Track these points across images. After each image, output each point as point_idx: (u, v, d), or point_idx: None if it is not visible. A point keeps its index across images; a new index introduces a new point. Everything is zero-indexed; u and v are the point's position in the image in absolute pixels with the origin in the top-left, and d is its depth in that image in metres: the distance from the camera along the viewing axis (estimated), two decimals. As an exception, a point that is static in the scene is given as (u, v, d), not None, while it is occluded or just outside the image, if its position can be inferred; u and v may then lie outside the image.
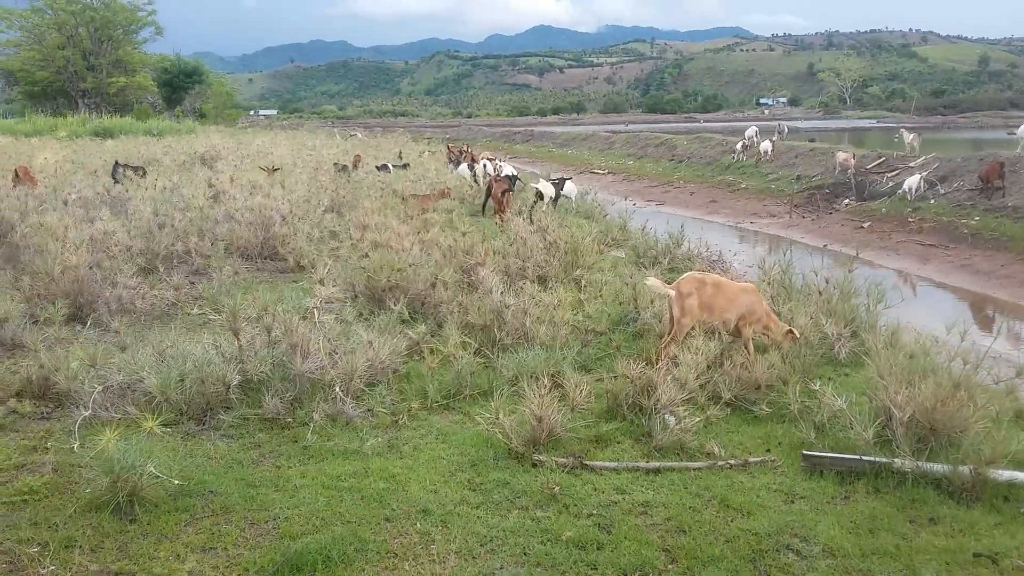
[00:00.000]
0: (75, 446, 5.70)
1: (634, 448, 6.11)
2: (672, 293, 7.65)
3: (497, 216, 16.12)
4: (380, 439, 6.12)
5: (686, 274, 8.00)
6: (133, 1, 70.66)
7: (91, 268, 9.59)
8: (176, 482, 5.11)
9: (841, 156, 26.74)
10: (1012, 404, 6.52)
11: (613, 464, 5.76)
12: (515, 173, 21.65)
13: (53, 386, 6.68)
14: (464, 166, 25.14)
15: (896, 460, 5.51)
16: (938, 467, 5.45)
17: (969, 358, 6.19)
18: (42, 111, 61.96)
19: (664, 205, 28.89)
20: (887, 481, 5.48)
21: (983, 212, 19.70)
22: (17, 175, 17.27)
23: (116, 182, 18.08)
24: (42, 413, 6.51)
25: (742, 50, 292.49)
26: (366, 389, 6.87)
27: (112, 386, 6.56)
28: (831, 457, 5.69)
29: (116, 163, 21.39)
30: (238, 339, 7.01)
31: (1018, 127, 27.54)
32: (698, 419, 6.24)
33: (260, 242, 13.06)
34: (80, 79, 66.88)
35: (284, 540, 4.61)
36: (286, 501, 5.06)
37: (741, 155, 33.93)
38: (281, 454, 5.84)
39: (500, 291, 8.64)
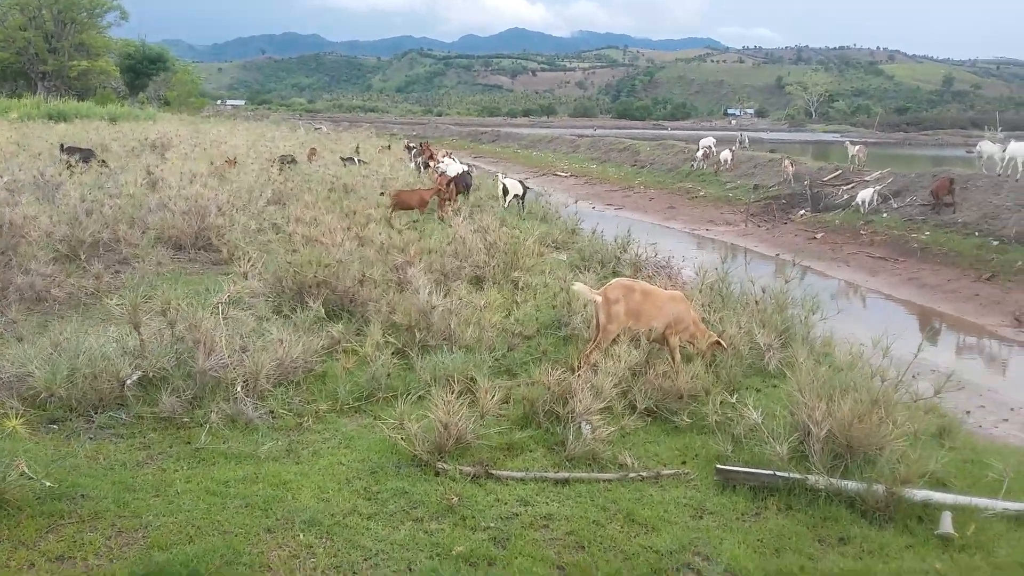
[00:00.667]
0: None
1: (546, 457, 5.86)
2: (598, 299, 7.43)
3: (440, 212, 15.88)
4: (279, 443, 5.81)
5: (614, 280, 7.79)
6: (99, -16, 69.34)
7: (2, 253, 9.14)
8: (47, 484, 4.77)
9: (784, 163, 27.23)
10: (935, 421, 6.39)
11: (520, 474, 5.51)
12: (467, 170, 21.36)
13: (-62, 377, 6.28)
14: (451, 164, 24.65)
15: (810, 477, 5.33)
16: (852, 485, 5.28)
17: (890, 374, 6.04)
18: (0, 92, 60.54)
19: (623, 210, 28.77)
20: (800, 498, 5.30)
21: (933, 227, 19.80)
22: None
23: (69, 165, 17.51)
24: (-80, 405, 6.10)
25: (713, 61, 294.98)
26: (271, 389, 6.53)
27: (0, 379, 6.19)
28: (745, 472, 5.49)
29: (62, 146, 20.75)
30: (139, 333, 6.66)
31: (975, 145, 27.86)
32: (613, 428, 6.01)
33: (194, 232, 12.62)
34: (41, 61, 65.41)
35: (151, 550, 4.29)
36: (163, 508, 4.74)
37: (701, 163, 33.98)
38: (170, 456, 5.50)
39: (428, 291, 8.34)
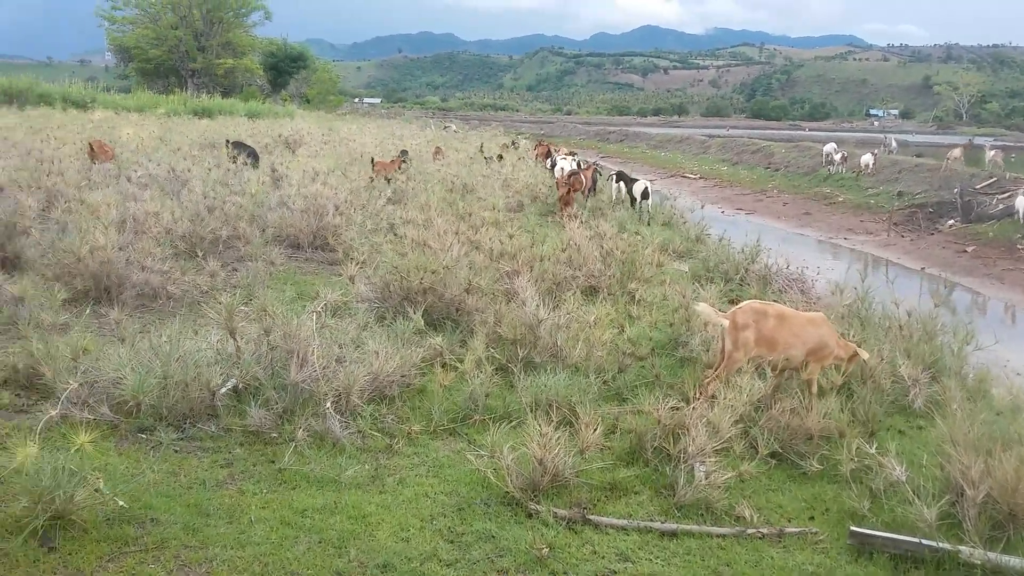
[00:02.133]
0: (34, 449, 5.20)
1: (652, 502, 5.26)
2: (725, 323, 6.72)
3: (559, 214, 15.41)
4: (365, 466, 5.44)
5: (745, 302, 7.04)
6: (245, -16, 72.40)
7: (120, 249, 9.23)
8: (120, 503, 4.54)
9: (991, 154, 26.31)
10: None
11: (622, 522, 4.93)
12: (588, 168, 20.82)
13: (40, 377, 6.24)
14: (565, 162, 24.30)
15: (963, 548, 4.53)
16: (1016, 562, 4.45)
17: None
18: (153, 88, 64.16)
19: (754, 214, 27.49)
20: (951, 573, 4.51)
21: (1105, 243, 17.84)
22: (92, 149, 17.35)
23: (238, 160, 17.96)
24: (21, 406, 6.07)
25: (855, 59, 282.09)
26: (364, 406, 6.18)
27: (97, 383, 6.09)
28: (884, 537, 4.73)
29: (227, 141, 21.02)
30: (234, 339, 6.47)
31: None
32: (731, 473, 5.34)
33: (311, 231, 12.59)
34: (190, 59, 68.85)
35: (212, 589, 3.97)
36: (233, 538, 4.43)
37: (840, 167, 32.17)
38: (251, 476, 5.22)
39: (536, 303, 7.86)
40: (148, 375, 5.90)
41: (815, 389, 6.62)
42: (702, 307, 6.99)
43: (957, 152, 29.49)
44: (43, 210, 11.88)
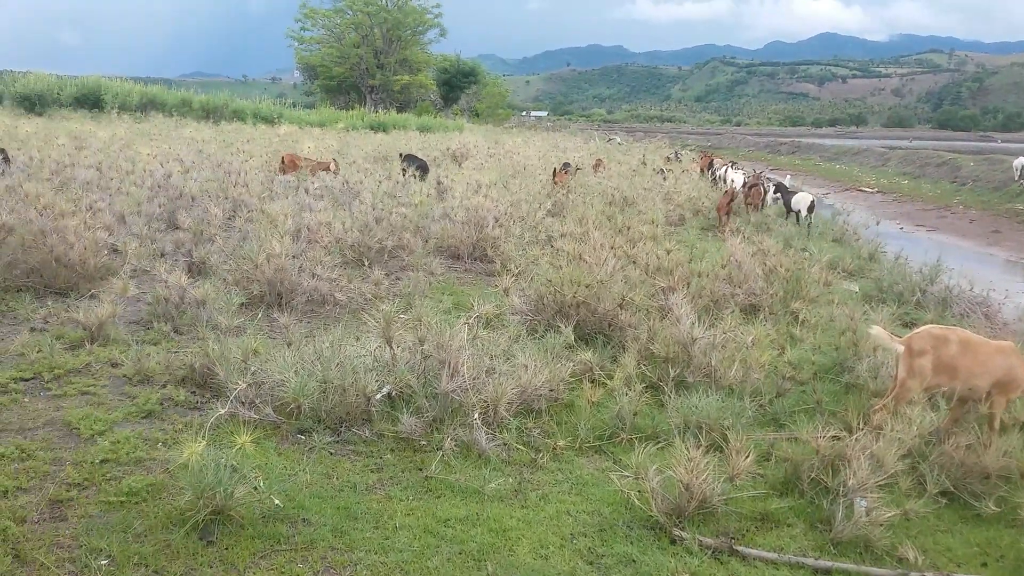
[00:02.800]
0: (202, 447, 5.55)
1: (806, 536, 4.98)
2: (900, 348, 6.28)
3: (719, 228, 15.00)
4: (509, 479, 5.46)
5: (924, 327, 6.55)
6: (423, 4, 75.44)
7: (294, 257, 9.75)
8: (276, 502, 4.77)
9: None
10: None
11: (772, 555, 4.70)
12: (758, 182, 20.21)
13: (214, 376, 6.67)
14: (737, 174, 23.96)
15: None
16: None
17: None
18: (335, 103, 67.86)
19: (936, 231, 25.72)
20: None
21: None
22: (283, 162, 18.50)
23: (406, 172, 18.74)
24: (195, 403, 6.51)
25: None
26: (510, 419, 6.21)
27: (264, 384, 6.44)
28: (1070, 594, 4.27)
29: (401, 154, 21.77)
30: (391, 347, 6.67)
31: None
32: (895, 511, 4.97)
33: (471, 242, 12.86)
34: (370, 76, 72.41)
35: (354, 592, 4.09)
36: (377, 543, 4.55)
37: (1028, 181, 29.70)
38: (399, 482, 5.35)
39: (691, 321, 7.65)
40: (310, 379, 6.17)
41: (997, 424, 6.06)
42: (875, 330, 6.57)
43: None
44: (228, 219, 12.77)
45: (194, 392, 6.66)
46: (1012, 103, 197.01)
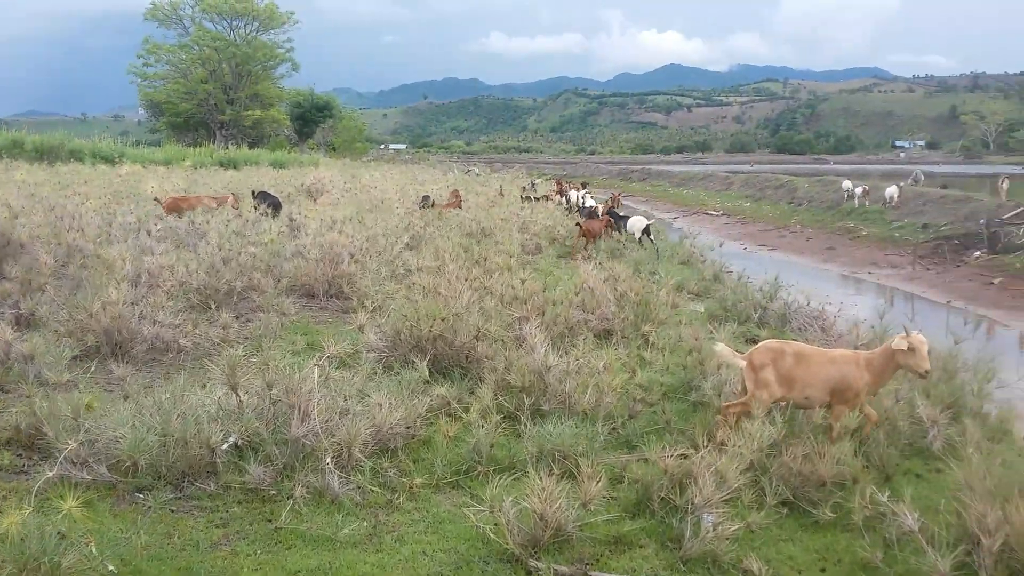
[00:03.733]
0: (26, 514, 5.14)
1: (658, 556, 5.09)
2: (743, 364, 6.60)
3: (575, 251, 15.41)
4: (364, 523, 5.33)
5: (763, 342, 6.91)
6: (273, 39, 74.11)
7: (133, 304, 9.28)
8: (110, 568, 4.47)
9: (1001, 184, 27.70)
10: None
11: (624, 578, 4.77)
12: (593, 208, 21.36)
13: (43, 436, 6.22)
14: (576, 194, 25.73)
15: (982, 603, 4.32)
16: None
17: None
18: (183, 141, 65.44)
19: (777, 250, 27.25)
20: (969, 629, 4.29)
21: None
22: (165, 206, 17.71)
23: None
24: (21, 466, 6.04)
25: (880, 91, 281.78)
26: (365, 460, 6.09)
27: (97, 441, 6.05)
28: (898, 591, 4.53)
29: (253, 192, 21.00)
30: (237, 395, 6.42)
31: None
32: (740, 524, 5.16)
33: (327, 280, 12.61)
34: (219, 111, 70.42)
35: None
36: (222, 602, 4.33)
37: (863, 200, 31.96)
38: (246, 536, 5.13)
39: (544, 349, 7.75)
40: (148, 433, 5.84)
41: (836, 433, 6.40)
42: (719, 347, 6.87)
43: (1005, 181, 29.72)
44: (61, 266, 12.02)
45: (20, 455, 6.18)
46: (842, 127, 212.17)
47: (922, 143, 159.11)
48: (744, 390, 6.69)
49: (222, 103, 70.25)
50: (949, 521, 5.02)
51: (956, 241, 23.57)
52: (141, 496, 5.56)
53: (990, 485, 4.86)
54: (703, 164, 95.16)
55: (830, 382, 6.45)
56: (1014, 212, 24.18)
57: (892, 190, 30.61)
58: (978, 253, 22.09)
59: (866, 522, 5.21)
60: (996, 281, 19.28)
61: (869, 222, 29.41)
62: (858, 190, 32.84)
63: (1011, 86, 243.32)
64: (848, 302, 16.24)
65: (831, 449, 6.00)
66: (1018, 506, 4.60)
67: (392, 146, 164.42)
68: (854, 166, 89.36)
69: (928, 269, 21.73)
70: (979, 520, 4.63)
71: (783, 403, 6.68)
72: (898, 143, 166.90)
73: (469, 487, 5.99)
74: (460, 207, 20.90)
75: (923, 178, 40.80)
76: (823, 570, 4.99)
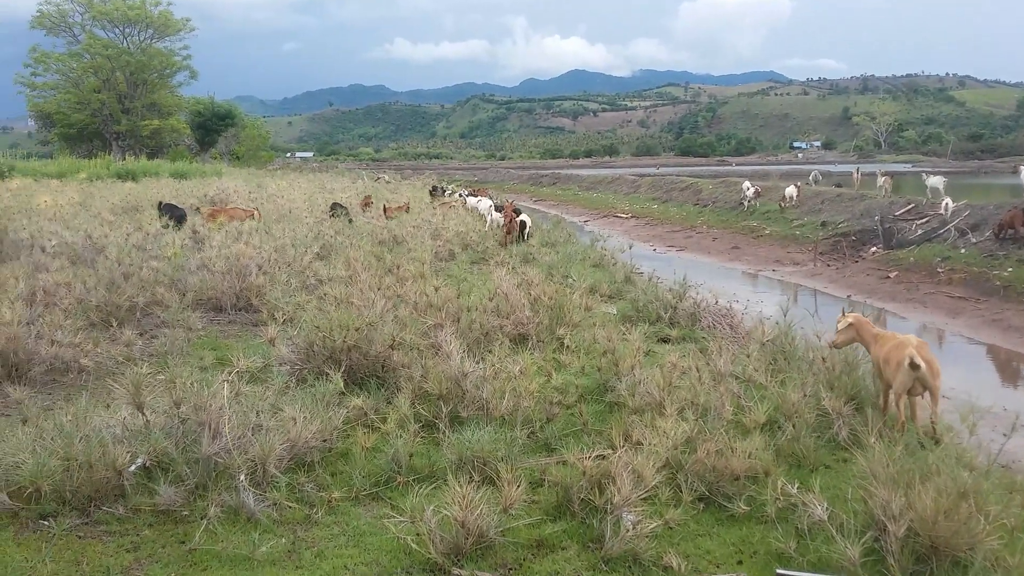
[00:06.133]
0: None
1: (580, 557, 5.13)
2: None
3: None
4: (282, 540, 5.22)
5: None
6: (169, 47, 71.96)
7: (28, 324, 8.87)
8: (12, 601, 4.25)
9: (882, 180, 29.94)
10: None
11: (548, 580, 4.80)
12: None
13: (-66, 466, 5.87)
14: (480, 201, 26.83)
15: (889, 585, 4.51)
16: (941, 595, 4.44)
17: (978, 456, 5.18)
18: (77, 153, 62.84)
19: (685, 251, 27.91)
20: (878, 611, 4.47)
21: (1017, 263, 18.46)
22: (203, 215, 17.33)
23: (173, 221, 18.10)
24: (-88, 500, 5.70)
25: (776, 94, 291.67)
26: (280, 476, 5.96)
27: (-6, 468, 5.75)
28: (810, 577, 4.69)
29: (160, 204, 20.62)
30: (143, 414, 6.21)
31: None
32: (659, 521, 5.26)
33: (234, 293, 12.30)
34: (115, 121, 67.97)
35: None
36: (134, 630, 4.17)
37: (754, 202, 33.16)
38: (159, 560, 4.96)
39: (460, 356, 7.74)
40: (50, 457, 5.60)
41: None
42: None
43: (886, 179, 31.33)
44: (-52, 287, 11.40)
45: (-89, 488, 5.82)
46: (742, 129, 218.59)
47: (818, 144, 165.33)
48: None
49: (117, 113, 67.82)
50: (856, 509, 5.22)
51: (853, 237, 24.56)
52: (46, 523, 5.33)
53: (893, 472, 5.07)
54: (611, 168, 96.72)
55: None
56: (905, 209, 25.35)
57: (791, 190, 31.67)
58: (874, 249, 23.07)
59: (779, 513, 5.39)
60: (892, 275, 20.18)
61: (771, 222, 30.37)
62: (749, 192, 33.97)
63: (898, 87, 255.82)
64: (755, 299, 16.75)
65: (743, 444, 6.17)
66: (920, 492, 4.82)
67: (299, 154, 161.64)
68: (755, 167, 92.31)
69: (828, 265, 22.58)
70: (884, 507, 4.83)
71: None
72: (796, 144, 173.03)
73: (389, 498, 5.93)
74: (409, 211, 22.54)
75: (821, 178, 42.44)
76: (740, 562, 5.12)
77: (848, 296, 18.71)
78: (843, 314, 8.04)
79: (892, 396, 7.02)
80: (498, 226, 21.15)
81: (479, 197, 30.59)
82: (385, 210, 24.44)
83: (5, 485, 5.57)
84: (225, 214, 19.56)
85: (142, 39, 70.54)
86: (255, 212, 20.55)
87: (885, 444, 5.59)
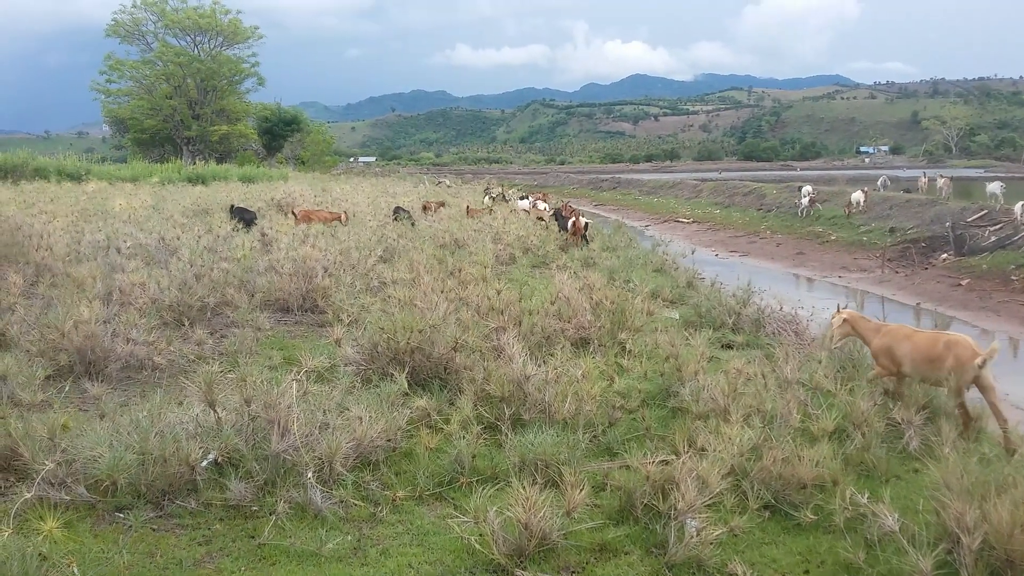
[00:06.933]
0: (5, 537, 5.06)
1: (643, 562, 5.11)
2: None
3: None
4: (348, 537, 5.30)
5: None
6: (238, 54, 73.74)
7: (105, 322, 9.16)
8: (91, 590, 4.40)
9: (941, 182, 29.59)
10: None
11: (611, 584, 4.78)
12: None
13: (19, 458, 6.11)
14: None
15: (964, 599, 4.38)
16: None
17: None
18: (149, 157, 64.77)
19: (748, 256, 27.54)
20: (952, 626, 4.35)
21: (1099, 271, 17.77)
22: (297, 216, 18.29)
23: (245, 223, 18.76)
24: (-2, 489, 5.94)
25: (843, 98, 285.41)
26: (346, 474, 6.06)
27: (74, 462, 5.96)
28: (881, 590, 4.58)
29: (231, 207, 21.35)
30: (215, 411, 6.36)
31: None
32: (723, 528, 5.20)
33: (301, 294, 12.54)
34: (185, 127, 69.89)
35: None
36: (207, 620, 4.28)
37: (807, 209, 32.60)
38: (230, 553, 5.08)
39: (523, 359, 7.76)
40: (126, 451, 5.78)
41: None
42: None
43: (945, 182, 30.83)
44: (31, 285, 11.86)
45: (-3, 478, 6.08)
46: (807, 133, 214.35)
47: (886, 148, 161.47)
48: None
49: (188, 118, 69.73)
50: (928, 521, 5.09)
51: (923, 244, 23.94)
52: (121, 515, 5.50)
53: (968, 484, 4.94)
54: (672, 172, 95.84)
55: None
56: (978, 215, 24.61)
57: (858, 195, 31.03)
58: (945, 255, 22.46)
59: (847, 523, 5.28)
60: (963, 283, 19.61)
61: (837, 227, 29.77)
62: (804, 200, 33.41)
63: (970, 91, 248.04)
64: (820, 306, 16.44)
65: (810, 452, 6.07)
66: (996, 504, 4.68)
67: (361, 159, 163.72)
68: (821, 172, 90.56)
69: (897, 272, 22.04)
70: (958, 519, 4.71)
71: None
72: (863, 149, 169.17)
73: (452, 498, 5.98)
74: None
75: (890, 183, 41.45)
76: (806, 572, 5.03)
77: (917, 304, 18.26)
78: (838, 310, 8.49)
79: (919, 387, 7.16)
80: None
81: (530, 199, 31.56)
82: (468, 211, 26.41)
83: (83, 478, 5.76)
84: (316, 216, 20.41)
85: (212, 47, 72.49)
86: (343, 215, 21.25)
87: (960, 455, 5.43)
